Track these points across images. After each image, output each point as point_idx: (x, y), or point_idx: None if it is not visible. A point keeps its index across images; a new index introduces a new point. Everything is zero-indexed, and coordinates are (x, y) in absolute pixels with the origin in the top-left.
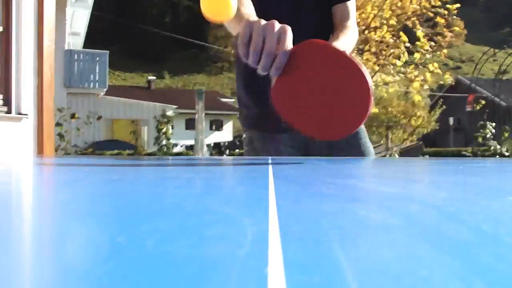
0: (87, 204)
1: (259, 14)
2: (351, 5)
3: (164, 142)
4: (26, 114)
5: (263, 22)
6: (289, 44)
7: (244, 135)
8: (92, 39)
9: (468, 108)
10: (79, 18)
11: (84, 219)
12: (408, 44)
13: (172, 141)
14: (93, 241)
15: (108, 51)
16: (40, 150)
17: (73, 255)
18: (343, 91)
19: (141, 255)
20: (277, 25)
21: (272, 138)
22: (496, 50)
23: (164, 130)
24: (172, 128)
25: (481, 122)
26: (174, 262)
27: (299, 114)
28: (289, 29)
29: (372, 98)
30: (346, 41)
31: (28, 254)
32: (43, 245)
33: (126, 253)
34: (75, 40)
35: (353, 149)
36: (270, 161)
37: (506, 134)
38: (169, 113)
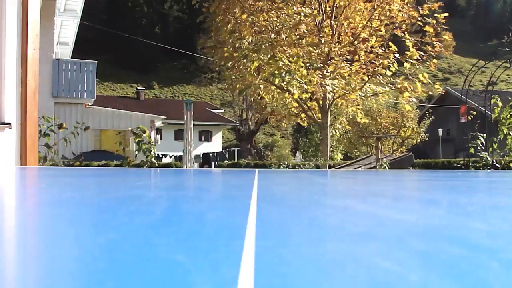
0: (62, 219)
1: None
2: None
3: (147, 153)
4: (9, 124)
5: None
6: None
7: None
8: (81, 49)
9: (463, 120)
10: (67, 28)
11: (57, 234)
12: (397, 54)
13: (161, 152)
14: (67, 252)
15: (96, 61)
16: (23, 161)
17: (42, 270)
18: None
19: (124, 255)
20: None
21: None
22: (486, 62)
23: (143, 141)
24: (160, 138)
25: (472, 133)
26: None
27: None
28: None
29: None
30: None
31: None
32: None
33: (111, 252)
34: (64, 49)
35: None
36: (256, 172)
37: (495, 146)
38: (158, 123)
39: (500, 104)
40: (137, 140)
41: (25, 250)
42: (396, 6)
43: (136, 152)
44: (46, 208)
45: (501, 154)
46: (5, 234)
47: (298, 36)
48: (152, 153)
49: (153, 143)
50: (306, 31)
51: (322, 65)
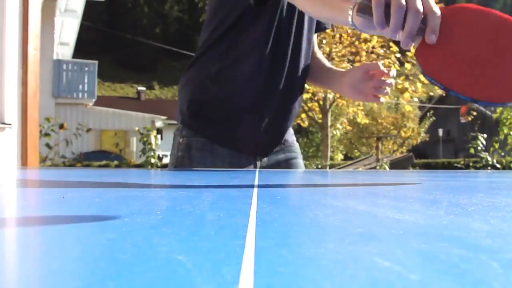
0: (65, 221)
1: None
2: None
3: (151, 153)
4: (10, 124)
5: None
6: (435, 6)
7: (180, 139)
8: (82, 49)
9: (463, 120)
10: (68, 28)
11: (58, 234)
12: (398, 55)
13: (162, 152)
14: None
15: (97, 61)
16: (24, 161)
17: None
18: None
19: (125, 255)
20: None
21: (212, 151)
22: None
23: (149, 141)
24: (161, 139)
25: (472, 134)
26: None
27: (460, 76)
28: None
29: None
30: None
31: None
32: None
33: (111, 252)
34: (64, 50)
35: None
36: (257, 173)
37: (496, 145)
38: (158, 124)
39: None
40: (143, 140)
41: (25, 250)
42: None
43: (141, 153)
44: (46, 208)
45: (502, 154)
46: (5, 234)
47: None
48: (153, 153)
49: (156, 143)
50: None
51: None
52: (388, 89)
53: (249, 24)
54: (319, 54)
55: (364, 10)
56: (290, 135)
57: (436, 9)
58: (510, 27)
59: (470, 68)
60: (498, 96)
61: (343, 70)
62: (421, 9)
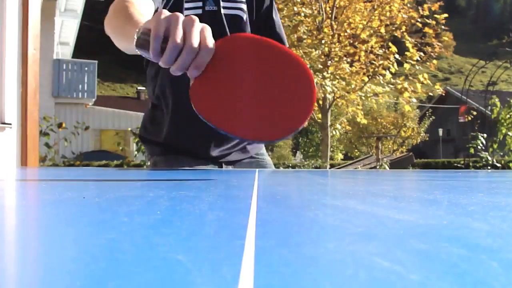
0: (63, 224)
1: None
2: None
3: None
4: (10, 124)
5: (180, 15)
6: (211, 41)
7: (149, 162)
8: (82, 49)
9: (462, 120)
10: (68, 28)
11: (58, 234)
12: (397, 55)
13: None
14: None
15: (96, 61)
16: (24, 161)
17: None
18: (282, 85)
19: (124, 255)
20: (197, 20)
21: (176, 159)
22: (486, 62)
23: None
24: None
25: (472, 133)
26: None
27: (228, 114)
28: (208, 26)
29: (316, 90)
30: None
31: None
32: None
33: (111, 252)
34: (64, 49)
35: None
36: (256, 173)
37: (495, 146)
38: None
39: (498, 104)
40: (136, 140)
41: (24, 250)
42: (396, 6)
43: (136, 152)
44: (46, 208)
45: (501, 154)
46: (5, 234)
47: (297, 38)
48: None
49: None
50: (305, 31)
51: (321, 66)
52: None
53: None
54: None
55: (142, 45)
56: (254, 146)
57: (210, 43)
58: (278, 58)
59: (238, 105)
60: (267, 134)
61: None
62: (196, 46)
